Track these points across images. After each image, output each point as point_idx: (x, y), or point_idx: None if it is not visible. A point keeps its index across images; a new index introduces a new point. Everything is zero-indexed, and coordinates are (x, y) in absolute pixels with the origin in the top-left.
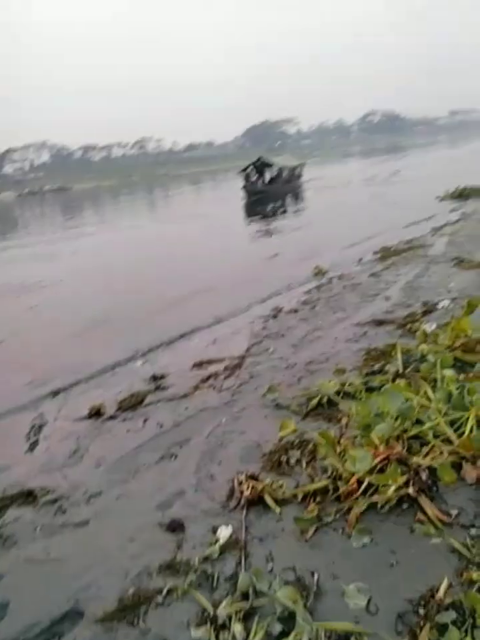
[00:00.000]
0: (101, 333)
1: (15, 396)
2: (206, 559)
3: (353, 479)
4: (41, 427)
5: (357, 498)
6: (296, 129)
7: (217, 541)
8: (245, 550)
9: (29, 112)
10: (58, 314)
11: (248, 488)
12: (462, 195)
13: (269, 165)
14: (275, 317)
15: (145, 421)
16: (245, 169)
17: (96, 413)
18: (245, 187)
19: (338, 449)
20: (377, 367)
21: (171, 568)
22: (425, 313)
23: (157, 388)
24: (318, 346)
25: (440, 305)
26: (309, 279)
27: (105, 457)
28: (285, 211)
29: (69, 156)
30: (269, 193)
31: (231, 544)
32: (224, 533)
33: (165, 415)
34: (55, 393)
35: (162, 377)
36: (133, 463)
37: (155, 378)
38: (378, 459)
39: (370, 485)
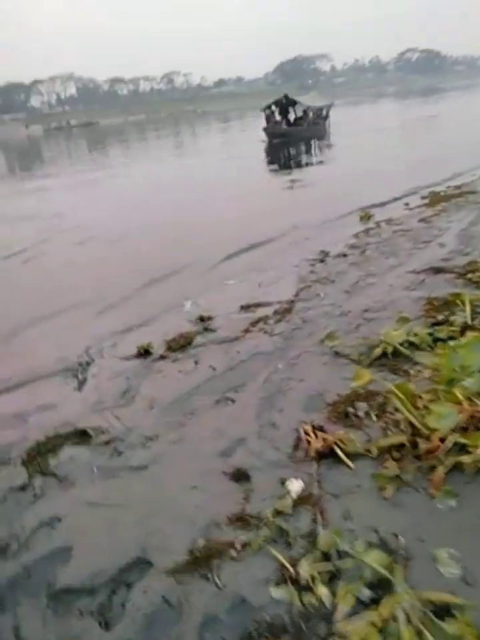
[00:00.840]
0: (146, 276)
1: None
2: (278, 513)
3: (435, 436)
4: (88, 365)
5: (439, 457)
6: (329, 65)
7: (287, 494)
8: (319, 506)
9: (55, 41)
10: (104, 252)
11: (316, 439)
12: None
13: (293, 104)
14: (322, 261)
15: (196, 363)
16: (267, 107)
17: (144, 353)
18: (266, 128)
19: (417, 403)
20: (440, 317)
21: (241, 520)
22: None
23: (205, 329)
24: (373, 293)
25: None
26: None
27: (157, 399)
28: (311, 157)
29: (96, 89)
30: (293, 135)
31: (304, 499)
32: (295, 486)
33: (217, 358)
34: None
35: (209, 318)
36: (188, 406)
37: (202, 319)
38: (464, 417)
39: (454, 444)
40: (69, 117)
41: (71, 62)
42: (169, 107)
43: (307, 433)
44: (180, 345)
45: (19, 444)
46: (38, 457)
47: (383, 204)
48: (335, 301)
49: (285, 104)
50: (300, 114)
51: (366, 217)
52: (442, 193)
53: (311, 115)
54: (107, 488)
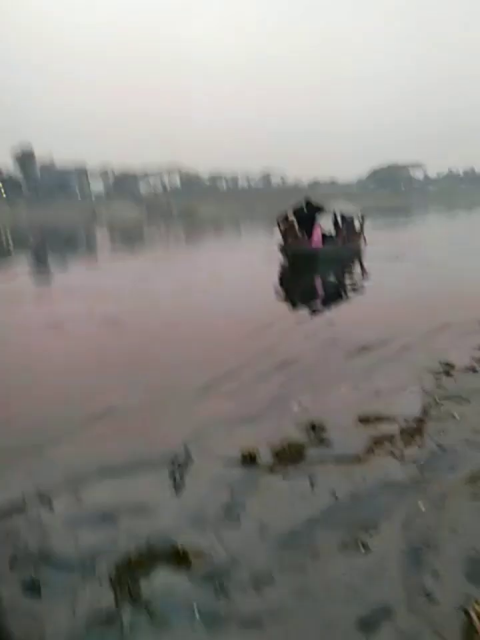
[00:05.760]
0: (246, 358)
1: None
2: None
3: None
4: (187, 463)
5: None
6: (422, 174)
7: None
8: None
9: (163, 137)
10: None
11: None
12: None
13: (318, 211)
14: (448, 374)
15: (313, 484)
16: (284, 219)
17: (249, 459)
18: (283, 247)
19: None
20: None
21: None
22: None
23: (320, 441)
24: None
25: None
26: None
27: (269, 524)
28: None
29: (198, 182)
30: (323, 257)
31: None
32: None
33: (337, 481)
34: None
35: (322, 428)
36: (307, 542)
37: (313, 428)
38: None
39: None
40: (171, 204)
41: (178, 153)
42: (265, 202)
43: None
44: (291, 456)
45: (107, 552)
46: (128, 577)
47: None
48: (476, 426)
49: (307, 213)
50: (332, 226)
51: None
52: None
53: (343, 227)
54: None
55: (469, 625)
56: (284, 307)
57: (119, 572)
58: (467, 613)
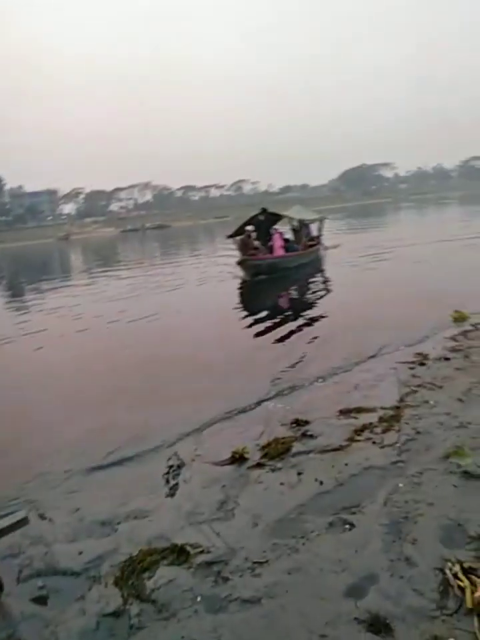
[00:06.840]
0: (225, 371)
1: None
2: None
3: None
4: (179, 468)
5: None
6: (393, 173)
7: None
8: None
9: (136, 156)
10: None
11: (473, 587)
12: None
13: (276, 221)
14: (422, 364)
15: (300, 474)
16: (239, 230)
17: (239, 458)
18: (243, 261)
19: None
20: None
21: None
22: None
23: (303, 435)
24: None
25: None
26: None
27: (261, 515)
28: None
29: (170, 196)
30: (287, 267)
31: None
32: None
33: (322, 470)
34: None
35: (306, 422)
36: (297, 527)
37: (298, 423)
38: None
39: None
40: (143, 220)
41: (149, 171)
42: (237, 211)
43: (456, 576)
44: (278, 451)
45: (109, 557)
46: (132, 576)
47: None
48: (448, 409)
49: (265, 222)
50: (290, 233)
51: (461, 318)
52: None
53: (304, 233)
54: (214, 623)
55: (446, 583)
56: (248, 323)
57: (123, 573)
58: (443, 572)
